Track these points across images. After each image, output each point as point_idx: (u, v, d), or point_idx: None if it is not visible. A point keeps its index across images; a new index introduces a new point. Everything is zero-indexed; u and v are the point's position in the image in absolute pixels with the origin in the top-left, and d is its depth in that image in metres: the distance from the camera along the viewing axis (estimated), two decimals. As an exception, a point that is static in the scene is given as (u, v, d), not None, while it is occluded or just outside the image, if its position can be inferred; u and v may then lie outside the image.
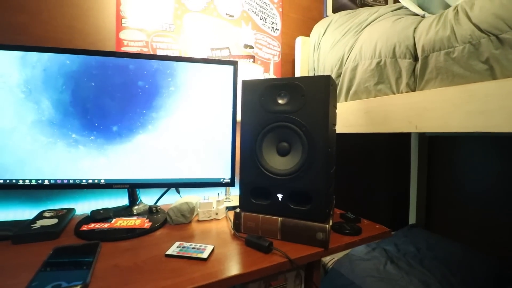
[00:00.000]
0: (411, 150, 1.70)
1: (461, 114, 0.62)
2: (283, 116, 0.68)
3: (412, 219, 1.67)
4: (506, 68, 0.57)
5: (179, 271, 0.53)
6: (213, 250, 0.62)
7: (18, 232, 0.65)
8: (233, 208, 0.92)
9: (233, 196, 1.05)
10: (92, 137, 0.75)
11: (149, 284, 0.48)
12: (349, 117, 0.93)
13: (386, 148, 1.72)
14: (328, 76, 0.64)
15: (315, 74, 1.13)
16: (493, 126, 0.58)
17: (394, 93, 0.80)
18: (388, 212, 1.75)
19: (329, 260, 1.28)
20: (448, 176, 1.61)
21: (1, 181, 0.71)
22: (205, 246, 0.62)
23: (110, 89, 0.75)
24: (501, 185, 1.38)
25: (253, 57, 1.18)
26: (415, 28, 0.74)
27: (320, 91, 0.64)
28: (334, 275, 1.16)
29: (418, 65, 0.73)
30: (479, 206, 1.47)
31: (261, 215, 0.70)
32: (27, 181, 0.72)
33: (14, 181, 0.71)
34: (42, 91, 0.71)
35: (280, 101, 0.69)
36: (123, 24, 0.95)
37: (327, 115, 0.64)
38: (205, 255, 0.58)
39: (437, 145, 1.67)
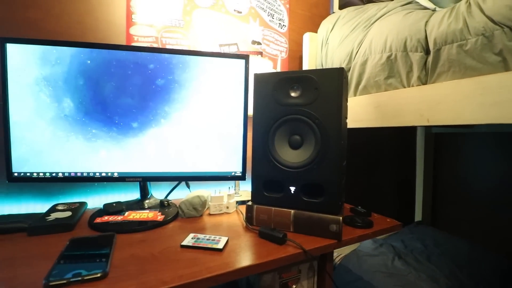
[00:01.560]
0: (416, 147, 1.70)
1: (474, 106, 0.63)
2: (296, 109, 0.68)
3: (418, 216, 1.67)
4: (520, 60, 0.57)
5: (196, 261, 0.54)
6: (227, 241, 0.62)
7: (33, 224, 0.65)
8: (243, 202, 0.92)
9: (242, 191, 1.05)
10: (107, 131, 0.75)
11: (167, 272, 0.49)
12: (359, 111, 0.94)
13: (392, 145, 1.72)
14: (342, 69, 0.64)
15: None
16: (507, 117, 0.58)
17: (405, 87, 0.81)
18: (394, 208, 1.75)
19: (336, 256, 1.28)
20: (454, 173, 1.61)
21: (16, 174, 0.71)
22: (220, 238, 0.63)
23: (125, 83, 0.75)
24: (507, 182, 1.38)
25: (260, 53, 1.19)
26: (427, 22, 0.74)
27: (333, 84, 0.65)
28: (342, 270, 1.17)
29: (430, 58, 0.73)
30: (486, 203, 1.47)
31: (273, 208, 0.70)
32: (41, 174, 0.72)
33: (28, 174, 0.72)
34: (60, 87, 0.72)
35: (293, 94, 0.69)
36: (133, 20, 0.96)
37: (341, 107, 0.64)
38: (220, 245, 0.58)
39: (443, 142, 1.67)
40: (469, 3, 0.65)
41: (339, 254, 1.29)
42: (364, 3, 1.43)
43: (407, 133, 1.75)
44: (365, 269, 1.13)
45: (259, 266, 0.54)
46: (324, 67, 1.14)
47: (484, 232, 1.47)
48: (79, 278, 0.45)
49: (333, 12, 1.33)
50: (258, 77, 0.72)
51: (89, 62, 0.73)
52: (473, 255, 1.22)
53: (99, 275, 0.46)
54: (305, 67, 1.22)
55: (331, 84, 0.65)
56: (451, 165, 1.63)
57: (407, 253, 1.23)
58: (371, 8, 1.01)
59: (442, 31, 0.69)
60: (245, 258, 0.55)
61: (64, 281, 0.44)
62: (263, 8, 1.19)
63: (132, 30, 0.96)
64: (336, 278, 1.16)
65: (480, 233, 1.48)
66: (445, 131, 1.63)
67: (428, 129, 1.65)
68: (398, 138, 1.74)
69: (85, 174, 0.74)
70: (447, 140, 1.65)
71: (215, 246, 0.58)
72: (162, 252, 0.57)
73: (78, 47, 0.72)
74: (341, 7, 1.36)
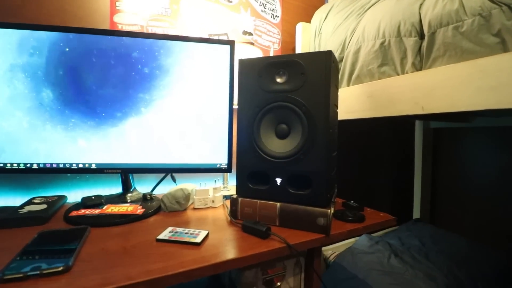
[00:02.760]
0: (415, 142, 1.65)
1: (471, 91, 0.59)
2: (282, 95, 0.64)
3: (416, 213, 1.63)
4: (520, 40, 0.53)
5: (170, 255, 0.50)
6: (207, 235, 0.58)
7: (4, 217, 0.62)
8: (231, 196, 0.88)
9: (231, 186, 1.01)
10: (85, 121, 0.71)
11: (137, 267, 0.45)
12: (352, 102, 0.90)
13: (390, 140, 1.68)
14: (330, 52, 0.60)
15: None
16: (505, 102, 0.54)
17: (399, 74, 0.77)
18: (392, 206, 1.71)
19: (330, 253, 1.24)
20: (453, 169, 1.57)
21: (-12, 165, 0.68)
22: (199, 231, 0.59)
23: (103, 70, 0.72)
24: (507, 178, 1.34)
25: (252, 44, 1.15)
26: (421, 4, 0.70)
27: (321, 68, 0.61)
28: (336, 268, 1.13)
29: (425, 43, 0.69)
30: (485, 199, 1.42)
31: (259, 201, 0.66)
32: (15, 165, 0.69)
33: (1, 165, 0.68)
34: (34, 74, 0.68)
35: (278, 80, 0.65)
36: (117, 7, 0.92)
37: (328, 93, 0.60)
38: (198, 239, 0.55)
39: (442, 137, 1.62)
40: (466, -18, 0.62)
41: (334, 251, 1.25)
42: (360, -6, 1.39)
43: (405, 128, 1.71)
44: (360, 267, 1.09)
45: (237, 260, 0.50)
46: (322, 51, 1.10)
47: (484, 229, 1.43)
48: (37, 272, 0.41)
49: (328, 2, 1.29)
50: (243, 62, 0.68)
51: (67, 49, 0.70)
52: (472, 252, 1.17)
53: (60, 269, 0.43)
54: (298, 58, 1.18)
55: (319, 68, 0.61)
56: (450, 160, 1.59)
57: (404, 250, 1.19)
58: (366, -5, 0.97)
59: (437, 13, 0.65)
60: (223, 253, 0.51)
61: (21, 275, 0.40)
62: (254, -2, 1.15)
63: (116, 18, 0.92)
64: (330, 276, 1.12)
65: (480, 230, 1.44)
66: (443, 126, 1.58)
67: (426, 124, 1.60)
68: (396, 133, 1.70)
69: (61, 165, 0.71)
70: (445, 135, 1.60)
71: (192, 240, 0.54)
72: (135, 246, 0.53)
73: (52, 31, 0.69)
74: (336, -3, 1.32)
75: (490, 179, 1.41)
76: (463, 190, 1.53)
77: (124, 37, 0.72)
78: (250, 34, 1.15)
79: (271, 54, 1.18)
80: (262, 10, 1.17)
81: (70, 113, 0.70)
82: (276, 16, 1.21)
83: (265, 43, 1.18)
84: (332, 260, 1.20)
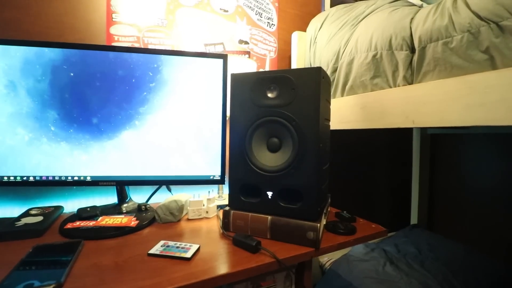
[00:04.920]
0: (412, 149, 1.65)
1: (460, 107, 0.59)
2: (273, 110, 0.65)
3: (413, 219, 1.63)
4: (507, 57, 0.54)
5: (160, 271, 0.51)
6: (198, 249, 0.59)
7: (0, 230, 0.63)
8: (225, 206, 0.89)
9: (226, 194, 1.02)
10: (81, 134, 0.73)
11: (127, 284, 0.46)
12: (346, 112, 0.90)
13: (388, 146, 1.68)
14: (319, 68, 0.61)
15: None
16: (493, 119, 0.54)
17: (391, 87, 0.77)
18: (389, 212, 1.71)
19: (326, 260, 1.25)
20: (451, 175, 1.57)
21: (-15, 178, 0.69)
22: (190, 245, 0.60)
23: (97, 83, 0.73)
24: (505, 184, 1.34)
25: (248, 53, 1.16)
26: (412, 19, 0.71)
27: (311, 84, 0.62)
28: (332, 276, 1.13)
29: (415, 57, 0.69)
30: (483, 206, 1.42)
31: (250, 214, 0.67)
32: (11, 178, 0.70)
33: (-2, 178, 0.70)
34: (30, 89, 0.70)
35: (270, 95, 0.66)
36: (113, 19, 0.93)
37: (318, 108, 0.61)
38: (188, 254, 0.56)
39: (439, 143, 1.62)
40: (455, -2, 0.62)
41: (329, 258, 1.26)
42: (355, 1, 1.39)
43: (402, 134, 1.71)
44: (355, 274, 1.10)
45: (226, 276, 0.51)
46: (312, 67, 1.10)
47: (481, 235, 1.43)
48: (29, 290, 0.42)
49: (324, 11, 1.30)
50: (235, 77, 0.69)
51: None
52: (469, 260, 1.17)
53: (52, 286, 0.44)
54: (294, 66, 1.19)
55: (309, 84, 0.62)
56: (448, 166, 1.59)
57: (400, 258, 1.19)
58: (360, 5, 0.98)
59: (427, 28, 0.65)
60: (213, 268, 0.52)
61: (13, 293, 0.42)
62: (250, 7, 1.16)
63: (113, 30, 0.94)
64: (326, 283, 1.12)
65: (477, 236, 1.44)
66: (441, 132, 1.59)
67: (423, 130, 1.61)
68: (394, 139, 1.70)
69: (57, 178, 0.72)
70: (443, 142, 1.60)
71: (183, 254, 0.55)
72: (127, 261, 0.54)
73: (51, 48, 0.70)
74: (333, 5, 1.32)
75: (487, 185, 1.41)
76: (460, 196, 1.53)
77: (121, 52, 0.73)
78: (246, 43, 1.15)
79: (267, 62, 1.19)
80: (258, 19, 1.18)
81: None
82: (272, 24, 1.22)
83: (261, 51, 1.19)
84: (328, 267, 1.21)
